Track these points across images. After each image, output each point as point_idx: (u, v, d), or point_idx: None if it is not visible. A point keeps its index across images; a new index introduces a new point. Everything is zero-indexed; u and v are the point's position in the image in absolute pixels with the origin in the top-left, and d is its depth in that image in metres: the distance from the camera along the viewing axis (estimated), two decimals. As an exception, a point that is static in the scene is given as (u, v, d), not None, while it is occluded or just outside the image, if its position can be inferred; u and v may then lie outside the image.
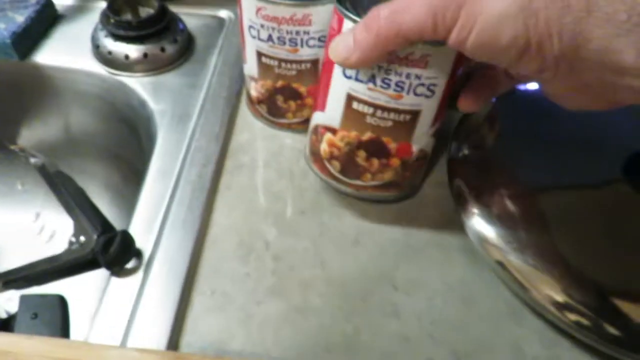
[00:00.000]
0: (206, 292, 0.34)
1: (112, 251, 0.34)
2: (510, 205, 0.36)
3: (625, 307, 0.32)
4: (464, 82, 0.34)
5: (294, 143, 0.43)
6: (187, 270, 0.34)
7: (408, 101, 0.32)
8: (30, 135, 0.55)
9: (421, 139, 0.35)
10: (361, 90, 0.32)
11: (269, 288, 0.34)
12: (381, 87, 0.31)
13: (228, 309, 0.33)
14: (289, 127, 0.44)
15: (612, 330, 0.32)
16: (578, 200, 0.38)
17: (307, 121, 0.42)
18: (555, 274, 0.34)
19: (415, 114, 0.33)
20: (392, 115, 0.33)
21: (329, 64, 0.33)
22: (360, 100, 0.32)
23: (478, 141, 0.42)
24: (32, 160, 0.50)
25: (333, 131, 0.35)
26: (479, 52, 0.24)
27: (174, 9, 0.52)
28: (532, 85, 0.47)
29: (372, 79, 0.31)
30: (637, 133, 0.37)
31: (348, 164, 0.36)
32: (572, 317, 0.32)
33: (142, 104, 0.46)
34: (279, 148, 0.43)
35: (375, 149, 0.35)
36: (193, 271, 0.35)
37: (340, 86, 0.33)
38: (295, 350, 0.32)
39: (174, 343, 0.32)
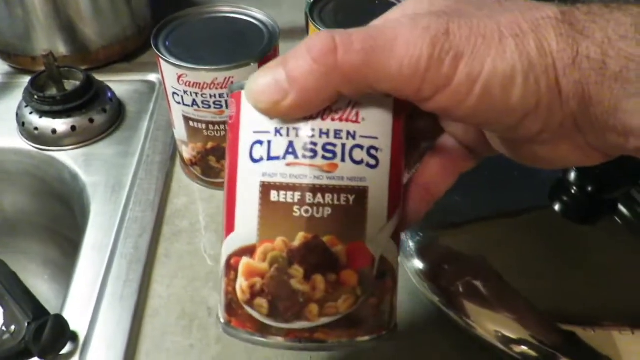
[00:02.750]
0: (148, 370, 0.33)
1: (44, 339, 0.32)
2: (447, 243, 0.37)
3: (568, 329, 0.33)
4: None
5: (232, 202, 0.43)
6: (125, 350, 0.33)
7: (346, 172, 0.23)
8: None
9: (379, 239, 0.23)
10: (278, 171, 0.23)
11: (214, 358, 0.33)
12: (304, 157, 0.22)
13: (172, 386, 0.32)
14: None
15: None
16: (511, 230, 0.39)
17: (242, 179, 0.42)
18: (499, 307, 0.34)
19: (360, 193, 0.23)
20: (328, 199, 0.22)
21: (231, 162, 0.24)
22: (279, 187, 0.23)
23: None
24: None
25: (250, 251, 0.23)
26: (477, 115, 0.20)
27: (102, 77, 0.51)
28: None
29: (290, 148, 0.22)
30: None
31: (279, 296, 0.23)
32: (518, 349, 0.33)
33: (74, 177, 0.45)
34: (217, 209, 0.43)
35: (315, 258, 0.23)
36: (133, 350, 0.34)
37: (249, 178, 0.23)
38: (244, 421, 0.31)
39: None
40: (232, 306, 0.24)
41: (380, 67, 0.19)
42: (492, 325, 0.33)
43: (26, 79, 0.53)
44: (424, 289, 0.35)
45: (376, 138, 0.23)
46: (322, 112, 0.22)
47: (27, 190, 0.49)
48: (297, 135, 0.22)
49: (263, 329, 0.23)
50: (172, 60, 0.36)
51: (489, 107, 0.19)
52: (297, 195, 0.22)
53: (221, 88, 0.37)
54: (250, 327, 0.23)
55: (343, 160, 0.22)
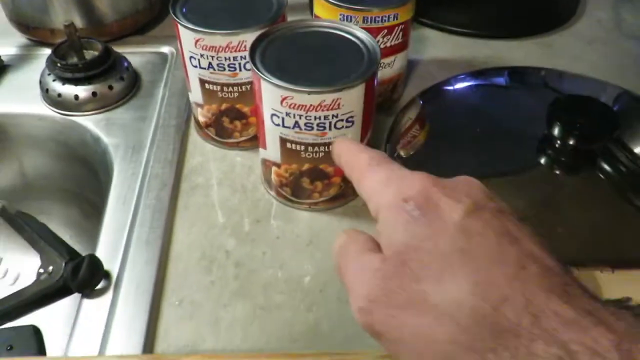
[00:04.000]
0: (174, 303, 0.37)
1: (81, 275, 0.36)
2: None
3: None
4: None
5: (243, 160, 0.47)
6: (154, 285, 0.37)
7: (332, 135, 0.36)
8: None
9: None
10: (290, 134, 0.37)
11: (233, 292, 0.37)
12: (306, 130, 0.36)
13: (196, 315, 0.36)
14: (237, 146, 0.47)
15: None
16: (506, 189, 0.42)
17: (254, 138, 0.46)
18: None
19: None
20: (322, 148, 0.37)
21: (259, 110, 0.37)
22: (291, 142, 0.37)
23: (409, 141, 0.46)
24: (-9, 205, 0.51)
25: (277, 165, 0.40)
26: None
27: (117, 49, 0.55)
28: (456, 87, 0.52)
29: (297, 125, 0.36)
30: (543, 117, 0.42)
31: (297, 189, 0.41)
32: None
33: (96, 139, 0.48)
34: (230, 166, 0.46)
35: (316, 174, 0.40)
36: (160, 285, 0.37)
37: (272, 131, 0.38)
38: (263, 344, 0.35)
39: (148, 352, 0.34)
40: (270, 183, 0.43)
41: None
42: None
43: (44, 51, 0.57)
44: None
45: (352, 111, 0.36)
46: (315, 107, 0.35)
47: (51, 154, 0.53)
48: (300, 118, 0.36)
49: (289, 200, 0.42)
50: (190, 25, 0.39)
51: None
52: (303, 147, 0.38)
53: (235, 51, 0.40)
54: (282, 197, 0.43)
55: (330, 129, 0.36)
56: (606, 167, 0.42)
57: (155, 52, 0.57)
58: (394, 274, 0.22)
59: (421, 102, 0.50)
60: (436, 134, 0.48)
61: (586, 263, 0.37)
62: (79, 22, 0.56)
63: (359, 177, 0.27)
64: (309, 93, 0.34)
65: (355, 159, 0.27)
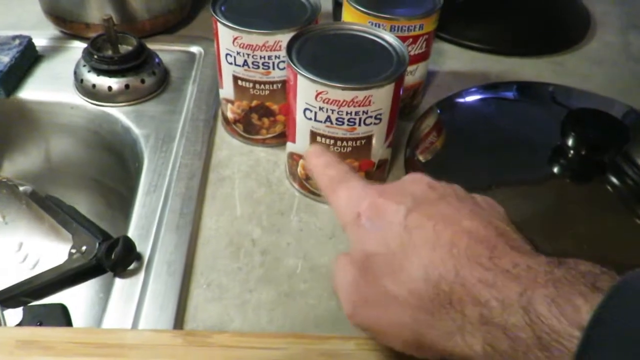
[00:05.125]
0: (203, 285, 0.38)
1: (115, 255, 0.38)
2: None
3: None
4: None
5: (268, 156, 0.48)
6: (184, 267, 0.38)
7: (361, 131, 0.39)
8: (14, 167, 0.58)
9: (378, 153, 0.42)
10: (321, 127, 0.39)
11: (259, 277, 0.39)
12: (337, 124, 0.38)
13: (224, 298, 0.38)
14: (263, 143, 0.49)
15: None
16: (518, 196, 0.44)
17: (280, 136, 0.48)
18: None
19: (369, 138, 0.40)
20: (350, 143, 0.40)
21: (291, 105, 0.40)
22: (321, 135, 0.40)
23: (427, 147, 0.48)
24: (22, 188, 0.53)
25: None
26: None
27: (149, 46, 0.57)
28: (471, 97, 0.54)
29: (328, 119, 0.38)
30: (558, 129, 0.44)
31: None
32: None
33: (127, 130, 0.50)
34: (256, 161, 0.48)
35: None
36: (189, 268, 0.39)
37: (303, 124, 0.40)
38: (287, 327, 0.36)
39: (178, 329, 0.36)
40: (295, 176, 0.45)
41: None
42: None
43: (77, 44, 0.59)
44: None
45: (380, 109, 0.38)
46: (347, 102, 0.37)
47: (80, 142, 0.54)
48: (332, 112, 0.38)
49: (313, 194, 0.44)
50: (229, 24, 0.42)
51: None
52: (332, 141, 0.40)
53: (271, 50, 0.42)
54: (306, 191, 0.44)
55: (360, 125, 0.39)
56: (614, 180, 0.44)
57: (184, 50, 0.59)
58: (363, 280, 0.27)
59: (439, 110, 0.52)
60: (452, 142, 0.50)
61: None
62: (113, 18, 0.58)
63: (327, 198, 0.31)
64: (343, 89, 0.36)
65: (320, 180, 0.32)
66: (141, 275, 0.38)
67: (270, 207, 0.44)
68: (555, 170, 0.44)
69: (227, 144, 0.49)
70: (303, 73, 0.37)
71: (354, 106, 0.37)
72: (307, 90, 0.38)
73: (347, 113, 0.38)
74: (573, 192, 0.45)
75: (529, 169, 0.46)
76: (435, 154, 0.48)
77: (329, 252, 0.41)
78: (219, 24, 0.42)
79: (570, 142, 0.42)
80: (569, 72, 0.62)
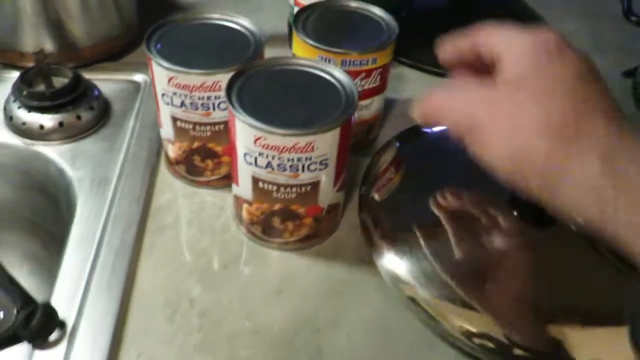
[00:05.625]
0: (132, 357, 0.35)
1: (33, 325, 0.34)
2: (414, 240, 0.39)
3: (530, 329, 0.36)
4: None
5: (214, 199, 0.45)
6: (112, 336, 0.35)
7: (305, 177, 0.36)
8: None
9: (327, 198, 0.39)
10: (262, 173, 0.36)
11: (196, 346, 0.35)
12: (278, 170, 0.35)
13: (156, 370, 0.34)
14: (208, 185, 0.45)
15: (518, 352, 0.35)
16: (477, 231, 0.42)
17: (225, 177, 0.44)
18: (461, 303, 0.37)
19: (315, 184, 0.37)
20: (294, 190, 0.37)
21: (233, 148, 0.37)
22: (263, 181, 0.37)
23: (384, 184, 0.45)
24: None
25: (249, 203, 0.39)
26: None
27: (88, 75, 0.53)
28: (432, 130, 0.52)
29: (269, 165, 0.35)
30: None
31: (268, 228, 0.40)
32: (478, 342, 0.35)
33: (60, 172, 0.46)
34: (200, 205, 0.45)
35: (287, 215, 0.39)
36: (119, 336, 0.35)
37: (245, 169, 0.37)
38: (225, 403, 0.33)
39: (102, 411, 0.32)
40: (240, 219, 0.41)
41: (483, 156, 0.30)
42: (456, 319, 0.36)
43: (13, 74, 0.54)
44: (394, 287, 0.37)
45: (325, 154, 0.35)
46: (289, 148, 0.34)
47: (11, 182, 0.50)
48: (272, 158, 0.35)
49: (259, 238, 0.41)
50: (164, 63, 0.38)
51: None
52: (275, 187, 0.37)
53: (209, 91, 0.39)
54: (252, 235, 0.42)
55: (303, 171, 0.36)
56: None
57: (128, 80, 0.55)
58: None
59: (397, 144, 0.49)
60: (411, 178, 0.47)
61: (557, 318, 0.36)
62: (50, 46, 0.54)
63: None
64: (283, 135, 0.33)
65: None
66: (63, 347, 0.34)
67: (213, 259, 0.41)
68: (516, 212, 0.42)
69: (169, 186, 0.46)
70: (240, 117, 0.34)
71: (296, 152, 0.34)
72: (245, 134, 0.35)
73: (288, 159, 0.35)
74: (535, 235, 0.42)
75: (492, 207, 0.44)
76: (392, 192, 0.45)
77: (275, 311, 0.38)
78: (152, 62, 0.39)
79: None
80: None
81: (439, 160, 0.49)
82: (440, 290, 0.37)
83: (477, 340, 0.36)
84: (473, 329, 0.36)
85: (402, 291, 0.37)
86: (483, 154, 0.29)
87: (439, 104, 0.31)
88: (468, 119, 0.29)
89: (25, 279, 0.56)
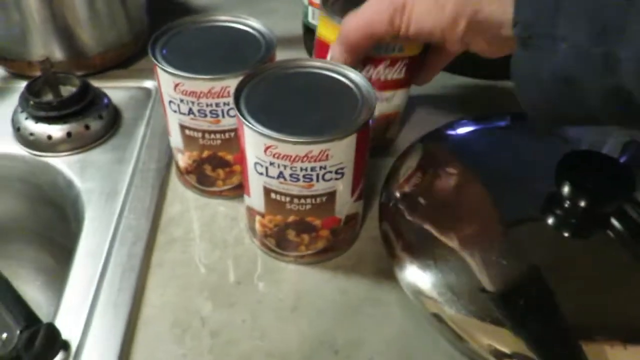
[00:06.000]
0: (140, 380, 0.33)
1: (36, 348, 0.32)
2: (439, 253, 0.37)
3: (565, 349, 0.33)
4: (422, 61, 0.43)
5: (226, 210, 0.43)
6: (118, 358, 0.33)
7: (320, 187, 0.34)
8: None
9: (344, 209, 0.36)
10: (274, 184, 0.34)
11: (207, 367, 0.33)
12: (291, 181, 0.33)
13: (164, 396, 0.32)
14: (220, 195, 0.43)
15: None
16: (508, 244, 0.39)
17: (238, 187, 0.42)
18: (490, 320, 0.34)
19: (330, 194, 0.34)
20: (309, 201, 0.34)
21: (243, 157, 0.34)
22: (275, 192, 0.34)
23: (407, 191, 0.43)
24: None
25: (261, 215, 0.37)
26: (417, 38, 0.36)
27: (98, 83, 0.51)
28: (459, 133, 0.49)
29: (281, 175, 0.33)
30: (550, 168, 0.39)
31: (281, 240, 0.38)
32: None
33: (69, 184, 0.45)
34: (212, 217, 0.43)
35: (302, 227, 0.36)
36: (125, 358, 0.33)
37: (255, 179, 0.34)
38: None
39: None
40: (254, 231, 0.39)
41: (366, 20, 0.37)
42: (485, 338, 0.33)
43: (22, 83, 0.53)
44: (418, 303, 0.35)
45: (341, 162, 0.33)
46: (301, 157, 0.31)
47: (21, 196, 0.49)
48: (284, 168, 0.32)
49: (273, 251, 0.39)
50: (169, 69, 0.36)
51: (418, 32, 0.36)
52: (288, 198, 0.34)
53: (218, 97, 0.37)
54: (266, 248, 0.39)
55: (317, 181, 0.33)
56: (619, 227, 0.39)
57: (138, 87, 0.54)
58: None
59: (422, 148, 0.47)
60: (437, 185, 0.44)
61: (595, 336, 0.33)
62: (59, 55, 0.53)
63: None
64: (295, 143, 0.31)
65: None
66: (67, 370, 0.33)
67: (225, 274, 0.39)
68: (551, 221, 0.39)
69: (180, 197, 0.44)
70: (249, 125, 0.32)
71: (309, 161, 0.32)
72: (255, 143, 0.32)
73: (301, 169, 0.32)
74: (572, 244, 0.39)
75: (524, 217, 0.41)
76: (416, 201, 0.42)
77: (290, 330, 0.35)
78: (158, 68, 0.37)
79: (565, 192, 0.37)
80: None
81: (466, 166, 0.46)
82: (467, 307, 0.34)
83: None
84: (504, 349, 0.33)
85: (426, 307, 0.35)
86: (417, 22, 0.35)
87: (363, 15, 0.37)
88: (390, 4, 0.35)
89: (39, 292, 0.56)
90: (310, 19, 0.54)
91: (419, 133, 0.46)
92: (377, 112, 0.40)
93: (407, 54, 0.41)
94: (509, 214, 0.40)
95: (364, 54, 0.38)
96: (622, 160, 0.44)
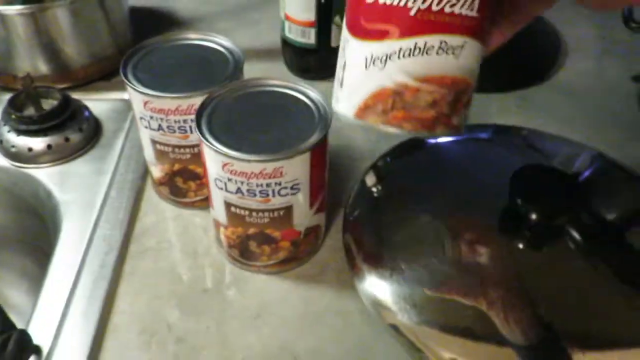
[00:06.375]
0: (106, 385, 0.34)
1: (8, 352, 0.34)
2: (396, 264, 0.38)
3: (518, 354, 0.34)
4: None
5: (199, 221, 0.45)
6: (86, 364, 0.35)
7: (276, 202, 0.35)
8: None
9: (304, 222, 0.38)
10: (234, 198, 0.36)
11: (170, 373, 0.35)
12: (248, 196, 0.35)
13: (128, 400, 0.34)
14: (193, 205, 0.45)
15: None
16: (465, 256, 0.40)
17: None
18: (448, 331, 0.36)
19: (287, 208, 0.36)
20: (266, 214, 0.36)
21: (205, 173, 0.36)
22: (235, 206, 0.36)
23: (369, 203, 0.44)
24: None
25: (225, 226, 0.38)
26: None
27: (81, 95, 0.53)
28: (433, 144, 0.50)
29: (239, 190, 0.35)
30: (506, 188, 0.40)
31: (244, 251, 0.39)
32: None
33: (48, 194, 0.46)
34: (185, 228, 0.44)
35: (262, 239, 0.38)
36: (93, 364, 0.35)
37: (217, 194, 0.36)
38: None
39: None
40: (220, 242, 0.41)
41: None
42: (442, 349, 0.34)
43: (8, 96, 0.55)
44: (376, 314, 0.36)
45: (296, 179, 0.34)
46: (257, 174, 0.33)
47: (5, 205, 0.51)
48: (241, 184, 0.34)
49: (238, 261, 0.41)
50: (138, 88, 0.38)
51: None
52: (247, 211, 0.36)
53: (185, 114, 0.38)
54: (231, 258, 0.41)
55: (274, 196, 0.35)
56: (577, 236, 0.40)
57: (120, 98, 0.55)
58: None
59: (387, 161, 0.48)
60: (397, 198, 0.45)
61: (556, 344, 0.35)
62: (44, 68, 0.55)
63: None
64: (249, 161, 0.33)
65: None
66: (37, 375, 0.34)
67: (194, 283, 0.40)
68: (508, 234, 0.40)
69: (154, 208, 0.46)
70: (208, 143, 0.33)
71: (264, 178, 0.34)
72: (214, 160, 0.34)
73: (257, 185, 0.34)
74: (530, 256, 0.40)
75: (483, 230, 0.42)
76: (377, 213, 0.44)
77: (252, 337, 0.37)
78: (127, 86, 0.39)
79: (518, 206, 0.38)
80: (536, 107, 0.58)
81: (426, 180, 0.47)
82: (423, 318, 0.36)
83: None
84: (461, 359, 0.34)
85: (384, 318, 0.36)
86: None
87: None
88: None
89: (24, 296, 0.57)
90: (287, 33, 0.55)
91: (393, 142, 0.48)
92: (440, 71, 0.24)
93: None
94: (468, 227, 0.41)
95: None
96: (588, 172, 0.46)
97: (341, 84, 0.26)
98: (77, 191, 0.46)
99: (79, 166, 0.49)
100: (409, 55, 0.24)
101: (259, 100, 0.37)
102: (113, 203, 0.45)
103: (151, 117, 0.39)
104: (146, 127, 0.40)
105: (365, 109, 0.25)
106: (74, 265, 0.40)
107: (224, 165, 0.33)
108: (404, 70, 0.24)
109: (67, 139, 0.48)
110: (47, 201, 0.46)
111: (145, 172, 0.48)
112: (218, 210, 0.38)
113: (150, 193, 0.47)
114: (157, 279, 0.40)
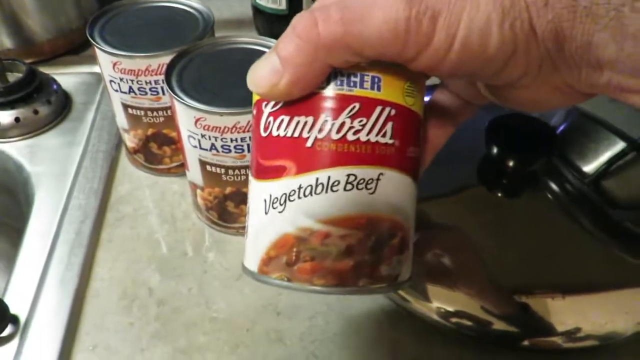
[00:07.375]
0: (88, 348, 0.34)
1: (-16, 322, 0.33)
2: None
3: (502, 302, 0.35)
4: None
5: (174, 187, 0.44)
6: (65, 330, 0.34)
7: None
8: None
9: None
10: (208, 156, 0.35)
11: (153, 334, 0.35)
12: (223, 152, 0.34)
13: (111, 362, 0.33)
14: (168, 172, 0.44)
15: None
16: (445, 208, 0.40)
17: (185, 164, 0.43)
18: (431, 282, 0.36)
19: None
20: (243, 172, 0.35)
21: (178, 133, 0.36)
22: (211, 164, 0.35)
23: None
24: None
25: (201, 188, 0.38)
26: (460, 69, 0.20)
27: (48, 69, 0.52)
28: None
29: (213, 147, 0.34)
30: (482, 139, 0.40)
31: (223, 213, 0.39)
32: (454, 320, 0.34)
33: (19, 167, 0.45)
34: (161, 195, 0.44)
35: (240, 198, 0.37)
36: (73, 329, 0.35)
37: (191, 152, 0.36)
38: (181, 392, 0.32)
39: (54, 406, 0.31)
40: (197, 206, 0.40)
41: (360, 34, 0.19)
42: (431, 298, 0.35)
43: (-28, 73, 0.53)
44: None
45: None
46: (230, 128, 0.32)
47: (-27, 182, 0.49)
48: (215, 140, 0.33)
49: (216, 224, 0.40)
50: (107, 49, 0.37)
51: (470, 59, 0.19)
52: (222, 170, 0.35)
53: (156, 74, 0.38)
54: (209, 221, 0.40)
55: (249, 151, 0.34)
56: (553, 185, 0.41)
57: (89, 72, 0.54)
58: None
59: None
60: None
61: (536, 289, 0.35)
62: (8, 43, 0.53)
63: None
64: (222, 114, 0.32)
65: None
66: (15, 342, 0.34)
67: (173, 248, 0.40)
68: (485, 183, 0.40)
69: (129, 177, 0.45)
70: (179, 98, 0.33)
71: (238, 132, 0.33)
72: (186, 116, 0.34)
73: (232, 140, 0.34)
74: (508, 204, 0.41)
75: (460, 181, 0.42)
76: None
77: (234, 297, 0.37)
78: (96, 48, 0.38)
79: (494, 154, 0.39)
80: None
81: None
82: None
83: (452, 319, 0.34)
84: (447, 307, 0.34)
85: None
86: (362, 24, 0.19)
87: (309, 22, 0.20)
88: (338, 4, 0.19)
89: (-1, 278, 0.56)
90: (258, 0, 0.55)
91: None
92: (351, 210, 0.21)
93: (390, 99, 0.21)
94: (444, 178, 0.42)
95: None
96: (563, 126, 0.46)
97: (246, 235, 0.22)
98: (49, 163, 0.45)
99: (50, 139, 0.47)
100: (310, 193, 0.20)
101: (230, 57, 0.37)
102: (87, 173, 0.44)
103: (121, 79, 0.38)
104: (116, 90, 0.39)
105: (268, 263, 0.20)
106: (49, 234, 0.39)
107: (197, 120, 0.33)
108: (305, 212, 0.20)
109: (35, 112, 0.47)
110: (18, 174, 0.45)
111: (119, 143, 0.47)
112: (193, 172, 0.37)
113: (124, 163, 0.46)
114: (136, 244, 0.40)
